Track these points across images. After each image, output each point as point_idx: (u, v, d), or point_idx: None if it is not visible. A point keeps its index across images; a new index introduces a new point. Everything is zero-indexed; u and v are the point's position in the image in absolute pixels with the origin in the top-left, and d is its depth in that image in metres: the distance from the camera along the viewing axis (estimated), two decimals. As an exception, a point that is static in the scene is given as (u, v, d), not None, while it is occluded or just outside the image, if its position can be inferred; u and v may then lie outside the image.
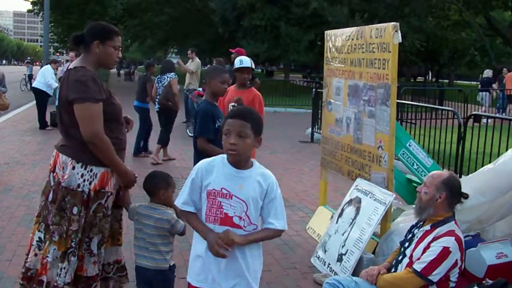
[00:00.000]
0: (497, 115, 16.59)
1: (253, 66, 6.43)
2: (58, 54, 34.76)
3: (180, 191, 2.98)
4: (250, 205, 2.89)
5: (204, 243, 2.88)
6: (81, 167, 3.56)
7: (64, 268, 3.56)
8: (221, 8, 30.77)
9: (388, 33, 4.56)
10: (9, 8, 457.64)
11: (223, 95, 5.40)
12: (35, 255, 3.68)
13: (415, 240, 3.73)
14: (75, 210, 3.55)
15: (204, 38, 40.60)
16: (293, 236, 6.16)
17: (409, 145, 5.15)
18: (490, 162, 4.76)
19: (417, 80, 58.75)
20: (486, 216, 4.26)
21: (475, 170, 5.96)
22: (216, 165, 2.93)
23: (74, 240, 3.56)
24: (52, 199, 3.62)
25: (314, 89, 14.89)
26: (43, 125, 14.28)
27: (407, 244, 3.82)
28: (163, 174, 3.92)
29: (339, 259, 4.66)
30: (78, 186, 3.55)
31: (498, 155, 5.84)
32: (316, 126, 13.59)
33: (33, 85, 14.20)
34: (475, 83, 61.56)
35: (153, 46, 55.28)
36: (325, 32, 5.93)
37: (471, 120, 8.06)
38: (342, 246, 4.70)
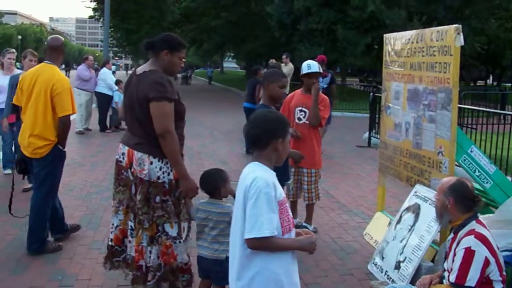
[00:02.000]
0: None
1: (321, 71, 6.43)
2: (117, 58, 35.54)
3: (264, 217, 2.61)
4: None
5: (284, 261, 2.76)
6: (158, 161, 4.00)
7: (150, 252, 4.04)
8: (277, 12, 30.82)
9: (450, 35, 4.46)
10: (72, 15, 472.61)
11: (281, 99, 5.40)
12: (129, 241, 4.17)
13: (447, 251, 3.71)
14: (157, 199, 4.01)
15: (261, 42, 40.72)
16: (350, 242, 6.10)
17: (471, 151, 5.00)
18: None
19: (477, 84, 57.27)
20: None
21: (541, 177, 5.75)
22: (269, 173, 2.79)
23: (161, 224, 4.03)
24: (135, 192, 4.07)
25: (371, 93, 14.74)
26: (103, 128, 14.65)
27: (444, 258, 3.79)
28: (217, 172, 4.10)
29: (397, 266, 4.57)
30: (158, 178, 4.01)
31: None
32: (374, 131, 13.45)
33: (95, 90, 14.59)
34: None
35: (210, 50, 55.87)
36: (384, 35, 5.86)
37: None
38: (400, 254, 4.61)
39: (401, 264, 4.53)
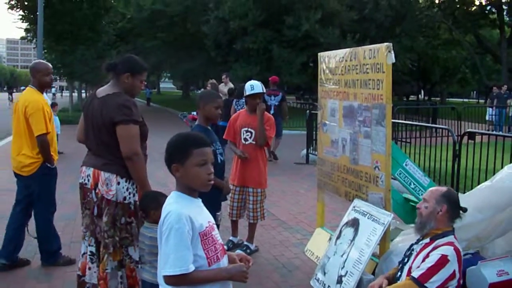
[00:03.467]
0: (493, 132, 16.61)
1: (264, 91, 6.49)
2: (51, 80, 34.58)
3: (175, 254, 2.53)
4: None
5: None
6: (125, 181, 4.04)
7: (122, 277, 4.02)
8: (213, 32, 30.92)
9: (382, 53, 4.58)
10: (2, 35, 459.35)
11: (216, 120, 5.41)
12: (89, 268, 4.09)
13: (414, 254, 3.79)
14: (123, 220, 4.03)
15: (197, 62, 40.75)
16: (291, 258, 6.13)
17: (406, 165, 5.14)
18: (486, 179, 4.76)
19: (410, 98, 59.09)
20: (485, 234, 4.26)
21: (472, 187, 5.96)
22: (187, 203, 2.67)
23: (125, 247, 4.03)
24: (98, 214, 4.05)
25: (308, 111, 14.93)
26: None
27: (406, 260, 3.87)
28: (155, 194, 4.04)
29: (339, 281, 4.62)
30: (124, 199, 4.04)
31: (494, 171, 5.87)
32: (311, 148, 13.60)
33: None
34: (467, 100, 62.16)
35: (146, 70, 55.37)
36: (318, 54, 5.96)
37: (465, 138, 8.09)
38: (342, 268, 4.66)
39: (343, 278, 4.58)
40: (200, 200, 2.77)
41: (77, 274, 4.26)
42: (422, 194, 4.96)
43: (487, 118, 22.58)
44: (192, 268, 2.53)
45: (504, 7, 40.15)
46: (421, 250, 3.73)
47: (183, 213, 2.56)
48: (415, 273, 3.54)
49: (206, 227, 2.66)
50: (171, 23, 39.02)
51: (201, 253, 2.61)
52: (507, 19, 41.41)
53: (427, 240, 3.77)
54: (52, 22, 26.72)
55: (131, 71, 4.13)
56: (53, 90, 19.83)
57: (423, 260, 3.60)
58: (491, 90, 24.52)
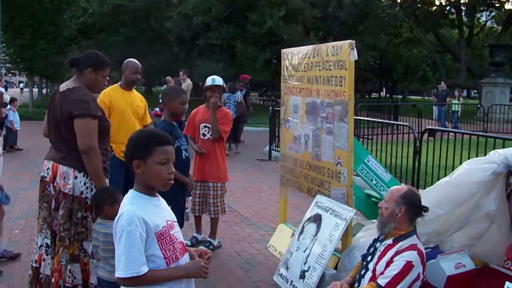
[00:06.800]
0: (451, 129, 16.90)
1: (225, 85, 6.51)
2: (10, 75, 33.84)
3: (126, 257, 2.49)
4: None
5: None
6: (83, 176, 4.04)
7: (73, 270, 4.01)
8: (176, 28, 30.74)
9: (344, 50, 4.62)
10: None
11: (181, 116, 5.40)
12: (43, 260, 4.13)
13: (377, 254, 3.81)
14: (79, 214, 4.02)
15: (160, 58, 40.46)
16: (254, 254, 6.14)
17: (368, 161, 5.20)
18: (445, 175, 4.84)
19: (372, 96, 59.78)
20: (444, 228, 4.34)
21: (432, 183, 6.06)
22: (143, 204, 2.62)
23: (80, 241, 4.03)
24: (55, 207, 4.07)
25: (270, 107, 14.99)
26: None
27: (369, 258, 3.89)
28: (110, 190, 4.06)
29: (302, 276, 4.66)
30: (82, 193, 4.04)
31: (453, 167, 5.99)
32: (274, 144, 13.64)
33: None
34: (427, 98, 63.22)
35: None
36: (282, 50, 5.97)
37: (426, 134, 8.24)
38: (304, 263, 4.69)
39: (306, 273, 4.61)
40: (159, 198, 2.73)
41: (34, 266, 4.26)
42: (383, 190, 5.04)
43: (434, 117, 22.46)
44: (144, 270, 2.49)
45: (463, 8, 41.05)
46: (384, 252, 3.75)
47: (135, 215, 2.51)
48: (381, 281, 3.55)
49: (163, 226, 2.61)
50: (134, 19, 38.66)
51: (158, 253, 2.57)
52: (466, 19, 42.29)
53: (389, 241, 3.79)
54: (11, 15, 26.10)
55: (93, 67, 4.15)
56: (21, 85, 19.49)
57: (387, 265, 3.62)
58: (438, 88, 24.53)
